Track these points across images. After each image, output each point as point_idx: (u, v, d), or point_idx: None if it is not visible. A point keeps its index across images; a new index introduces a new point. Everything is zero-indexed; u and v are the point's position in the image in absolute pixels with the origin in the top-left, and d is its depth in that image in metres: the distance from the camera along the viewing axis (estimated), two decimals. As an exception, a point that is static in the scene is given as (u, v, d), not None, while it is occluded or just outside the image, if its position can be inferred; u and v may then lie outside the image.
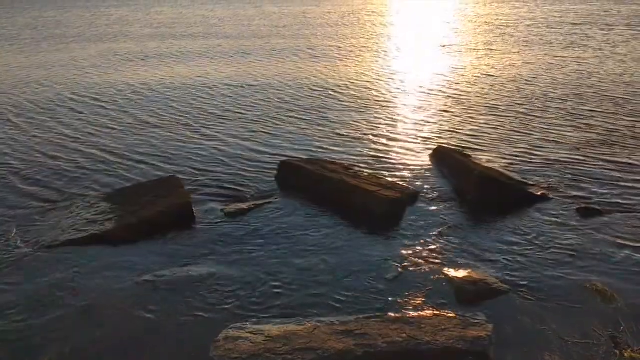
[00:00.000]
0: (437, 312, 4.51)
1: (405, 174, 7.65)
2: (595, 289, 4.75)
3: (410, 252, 5.55)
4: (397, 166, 7.96)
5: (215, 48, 21.93)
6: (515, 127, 9.79)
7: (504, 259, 5.37)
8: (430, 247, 5.63)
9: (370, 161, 8.18)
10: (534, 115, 10.58)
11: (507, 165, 7.79)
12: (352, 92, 13.18)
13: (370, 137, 9.47)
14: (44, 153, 9.00)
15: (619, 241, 5.64)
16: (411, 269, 5.23)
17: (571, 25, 27.07)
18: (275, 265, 5.36)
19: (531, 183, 7.10)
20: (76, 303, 4.82)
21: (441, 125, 10.10)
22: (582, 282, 4.91)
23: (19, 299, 4.89)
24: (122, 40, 25.35)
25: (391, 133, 9.67)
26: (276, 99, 12.60)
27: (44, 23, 34.36)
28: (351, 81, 14.57)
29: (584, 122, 10.06)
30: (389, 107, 11.71)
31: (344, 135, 9.61)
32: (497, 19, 32.40)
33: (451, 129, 9.78)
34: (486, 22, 30.88)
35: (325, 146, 8.99)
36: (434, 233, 5.93)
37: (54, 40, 25.54)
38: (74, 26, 31.83)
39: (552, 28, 26.46)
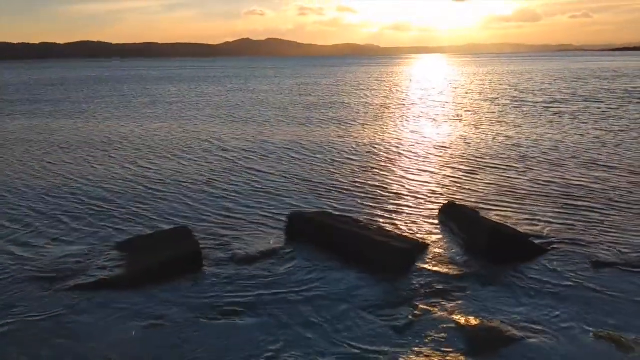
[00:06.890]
0: (449, 360, 4.41)
1: (415, 227, 7.65)
2: (610, 337, 4.65)
3: (421, 301, 5.47)
4: (408, 220, 7.97)
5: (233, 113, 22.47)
6: (523, 184, 9.84)
7: (515, 309, 5.29)
8: (440, 297, 5.56)
9: (381, 215, 8.20)
10: (540, 173, 10.66)
11: (515, 219, 7.78)
12: (363, 150, 13.39)
13: (381, 192, 9.53)
14: (58, 203, 9.11)
15: (632, 292, 5.55)
16: (422, 317, 5.15)
17: (573, 98, 27.64)
18: (285, 313, 5.30)
19: (540, 237, 7.07)
20: (82, 345, 4.77)
21: (450, 182, 10.17)
22: (595, 331, 4.81)
23: (26, 341, 4.86)
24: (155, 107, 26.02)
25: (402, 189, 9.73)
26: (286, 155, 12.85)
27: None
28: (361, 139, 14.82)
29: (591, 179, 10.12)
30: (400, 164, 11.85)
31: (354, 190, 9.69)
32: (508, 88, 33.13)
33: (460, 186, 9.84)
34: (497, 90, 31.58)
35: (335, 200, 9.05)
36: (445, 283, 5.87)
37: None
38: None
39: (553, 100, 27.02)
